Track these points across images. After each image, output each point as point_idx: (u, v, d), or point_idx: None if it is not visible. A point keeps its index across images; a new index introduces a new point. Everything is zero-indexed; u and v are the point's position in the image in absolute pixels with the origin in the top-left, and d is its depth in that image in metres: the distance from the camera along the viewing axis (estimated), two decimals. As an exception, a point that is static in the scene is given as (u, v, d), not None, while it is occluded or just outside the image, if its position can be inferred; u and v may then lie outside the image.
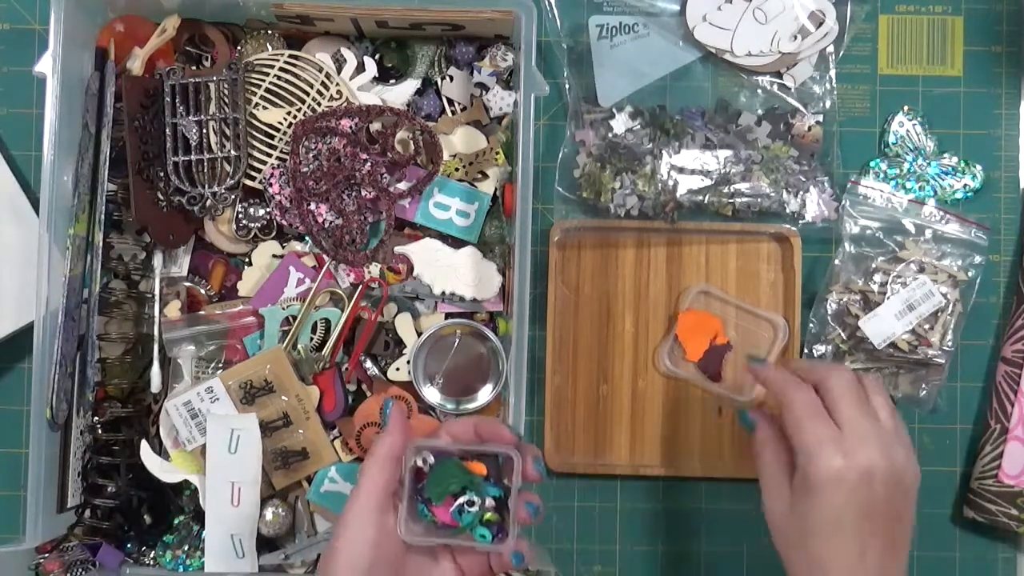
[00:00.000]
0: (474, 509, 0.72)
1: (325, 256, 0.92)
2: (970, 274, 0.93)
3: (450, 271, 0.91)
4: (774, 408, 0.80)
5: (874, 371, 0.93)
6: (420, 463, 0.73)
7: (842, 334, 0.93)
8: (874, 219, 0.94)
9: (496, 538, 0.73)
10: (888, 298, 0.92)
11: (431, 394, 0.92)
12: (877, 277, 0.93)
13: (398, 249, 0.92)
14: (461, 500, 0.72)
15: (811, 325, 0.94)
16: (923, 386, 0.93)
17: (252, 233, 0.93)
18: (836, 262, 0.94)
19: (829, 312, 0.94)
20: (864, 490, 0.71)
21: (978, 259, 0.93)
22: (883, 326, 0.92)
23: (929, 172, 0.96)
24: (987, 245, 0.94)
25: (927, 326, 0.92)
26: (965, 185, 0.96)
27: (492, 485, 0.73)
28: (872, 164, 0.96)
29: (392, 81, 0.95)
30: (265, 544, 0.91)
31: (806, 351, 0.94)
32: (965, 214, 0.94)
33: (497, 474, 0.74)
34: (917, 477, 0.75)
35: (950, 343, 0.92)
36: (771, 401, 0.82)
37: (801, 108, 0.95)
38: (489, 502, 0.73)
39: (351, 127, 0.91)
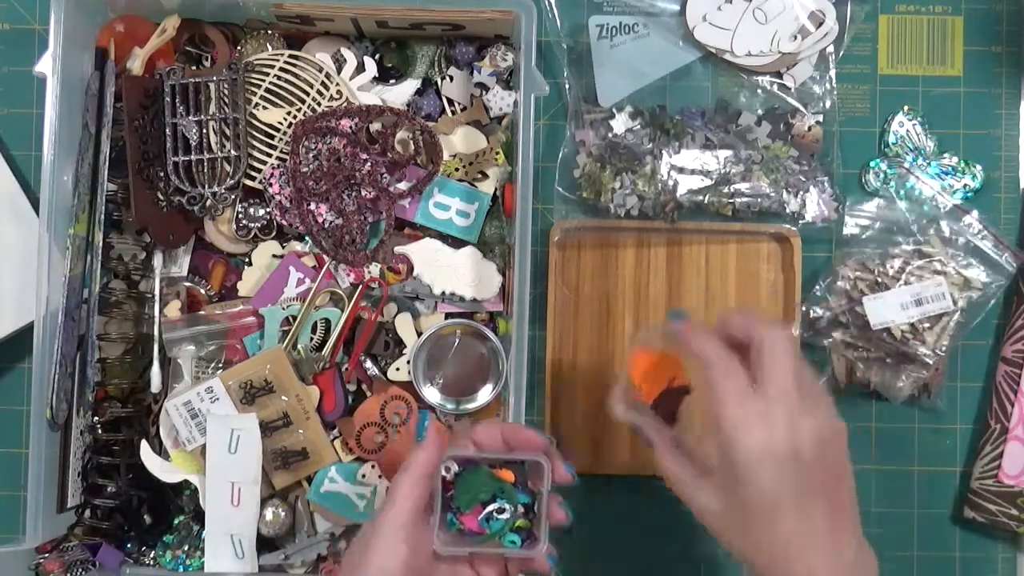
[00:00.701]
0: (504, 516, 0.71)
1: (325, 256, 0.92)
2: (987, 292, 0.92)
3: (450, 271, 0.91)
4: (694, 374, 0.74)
5: (861, 349, 0.93)
6: (444, 472, 0.72)
7: (843, 304, 0.93)
8: (912, 211, 0.94)
9: (525, 543, 0.72)
10: (900, 286, 0.92)
11: (431, 394, 0.92)
12: (895, 263, 0.92)
13: (398, 249, 0.92)
14: (490, 508, 0.72)
15: (816, 289, 0.94)
16: (903, 378, 0.93)
17: (252, 233, 0.93)
18: (863, 236, 0.94)
19: (837, 281, 0.93)
20: (793, 463, 0.67)
21: (1000, 282, 0.93)
22: (885, 310, 0.92)
23: (929, 172, 0.96)
24: (1014, 272, 0.93)
25: (927, 324, 0.92)
26: (965, 185, 0.96)
27: (520, 491, 0.72)
28: (872, 164, 0.96)
29: (392, 81, 0.95)
30: (265, 544, 0.91)
31: (804, 309, 0.94)
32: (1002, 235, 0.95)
33: (524, 480, 0.73)
34: (841, 430, 0.71)
35: (944, 348, 0.92)
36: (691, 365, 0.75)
37: (801, 108, 0.95)
38: (519, 508, 0.72)
39: (351, 127, 0.91)
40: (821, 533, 0.68)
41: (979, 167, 0.96)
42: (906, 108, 0.97)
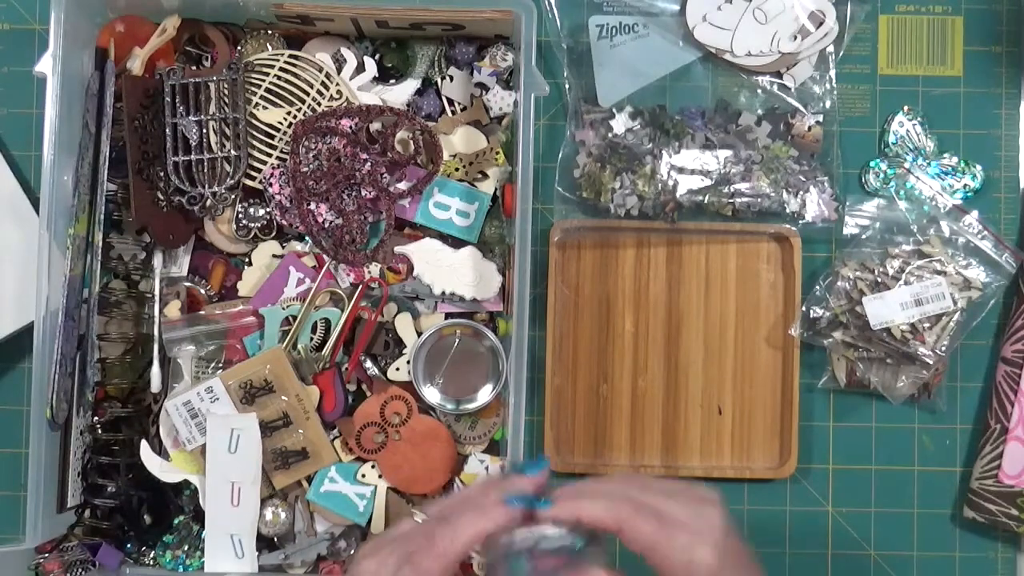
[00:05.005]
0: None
1: (325, 256, 0.92)
2: (987, 292, 0.92)
3: (450, 271, 0.91)
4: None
5: (861, 349, 0.93)
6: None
7: (843, 304, 0.93)
8: (912, 211, 0.94)
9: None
10: (900, 286, 0.92)
11: (431, 394, 0.92)
12: (895, 263, 0.92)
13: (398, 249, 0.92)
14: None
15: (816, 289, 0.94)
16: (903, 378, 0.93)
17: (252, 233, 0.93)
18: (863, 236, 0.94)
19: (837, 281, 0.93)
20: (732, 565, 0.67)
21: (1000, 282, 0.93)
22: (885, 310, 0.91)
23: (929, 172, 0.96)
24: (1014, 272, 0.93)
25: (927, 324, 0.92)
26: (965, 185, 0.96)
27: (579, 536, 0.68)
28: (872, 164, 0.96)
29: (392, 81, 0.95)
30: (265, 544, 0.91)
31: (804, 309, 0.94)
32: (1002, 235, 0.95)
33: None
34: (725, 513, 0.70)
35: (944, 348, 0.92)
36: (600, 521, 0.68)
37: (801, 108, 0.95)
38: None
39: (351, 127, 0.91)
40: None
41: (979, 167, 0.96)
42: (906, 108, 0.97)
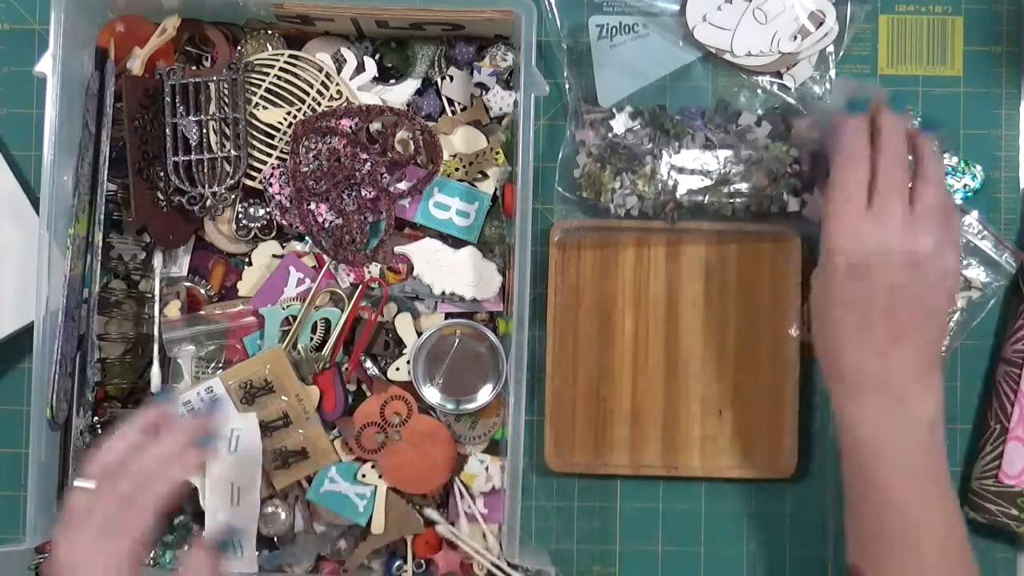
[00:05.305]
0: None
1: (325, 256, 0.92)
2: (987, 292, 0.92)
3: (450, 271, 0.91)
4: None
5: None
6: None
7: None
8: None
9: None
10: None
11: (431, 394, 0.92)
12: None
13: (398, 249, 0.92)
14: None
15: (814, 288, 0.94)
16: None
17: (252, 233, 0.93)
18: None
19: None
20: (869, 279, 0.72)
21: (1000, 282, 0.93)
22: None
23: (929, 172, 0.96)
24: (1014, 272, 0.93)
25: (927, 326, 0.92)
26: (965, 185, 0.96)
27: None
28: (872, 164, 0.96)
29: (392, 81, 0.95)
30: (265, 544, 0.91)
31: (804, 309, 0.94)
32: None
33: None
34: (946, 268, 0.74)
35: (944, 348, 0.92)
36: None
37: (801, 108, 0.95)
38: None
39: (351, 127, 0.91)
40: (869, 348, 0.72)
41: (979, 167, 0.96)
42: (906, 108, 0.97)
